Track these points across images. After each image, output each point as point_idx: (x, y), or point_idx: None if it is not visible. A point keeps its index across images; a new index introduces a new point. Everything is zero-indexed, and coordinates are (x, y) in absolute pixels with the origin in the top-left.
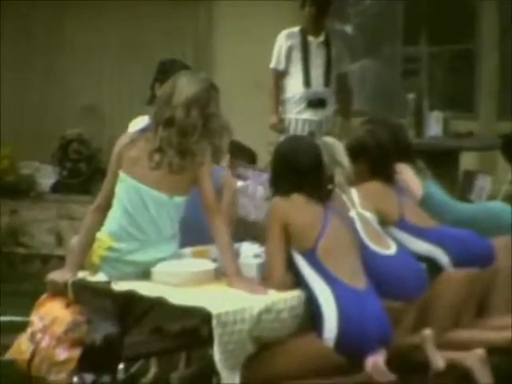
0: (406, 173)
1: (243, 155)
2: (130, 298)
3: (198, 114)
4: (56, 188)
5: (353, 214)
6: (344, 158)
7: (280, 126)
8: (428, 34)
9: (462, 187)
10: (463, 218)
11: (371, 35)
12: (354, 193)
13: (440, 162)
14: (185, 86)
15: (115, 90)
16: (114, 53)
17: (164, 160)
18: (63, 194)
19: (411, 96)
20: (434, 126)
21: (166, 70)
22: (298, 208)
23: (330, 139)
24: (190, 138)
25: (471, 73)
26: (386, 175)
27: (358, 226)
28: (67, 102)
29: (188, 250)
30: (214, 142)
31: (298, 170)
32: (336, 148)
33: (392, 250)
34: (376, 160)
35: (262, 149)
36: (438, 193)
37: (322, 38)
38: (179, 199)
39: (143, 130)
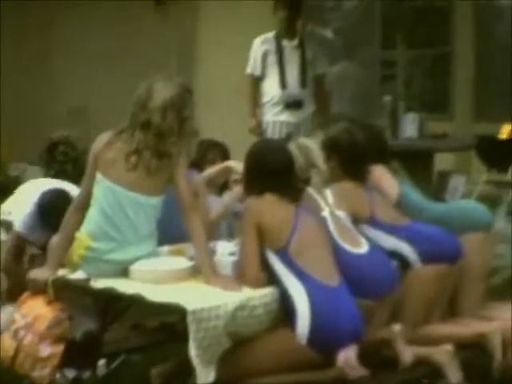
0: (383, 174)
1: (216, 152)
2: (109, 295)
3: (174, 118)
4: None
5: (325, 213)
6: (319, 160)
7: (258, 130)
8: (405, 38)
9: (436, 187)
10: (437, 217)
11: (350, 39)
12: (328, 192)
13: (415, 162)
14: (161, 91)
15: (103, 92)
16: (103, 56)
17: (141, 162)
18: None
19: (387, 98)
20: (410, 127)
21: None
22: (271, 207)
23: (305, 141)
24: (167, 141)
25: (447, 76)
26: (358, 174)
27: (331, 225)
28: (56, 104)
29: (165, 249)
30: (188, 143)
31: (269, 171)
32: (311, 149)
33: (364, 248)
34: (348, 159)
35: (242, 152)
36: (413, 193)
37: (296, 42)
38: (156, 199)
39: (119, 132)
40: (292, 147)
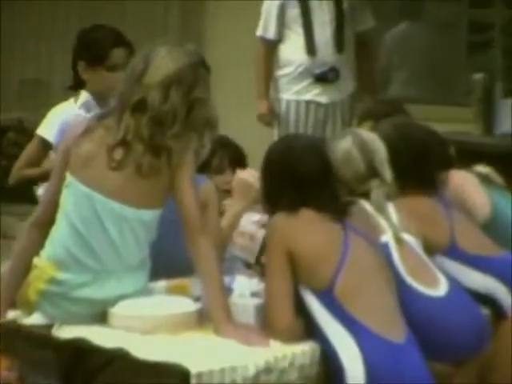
0: (469, 183)
1: (226, 154)
2: (79, 348)
3: (179, 99)
4: None
5: (387, 238)
6: (385, 166)
7: (270, 117)
8: None
9: None
10: None
11: None
12: (391, 209)
13: None
14: (163, 61)
15: (66, 61)
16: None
17: (129, 158)
18: None
19: (478, 77)
20: (509, 118)
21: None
22: (307, 229)
23: (369, 136)
24: (168, 130)
25: None
26: (425, 184)
27: (394, 254)
28: (7, 77)
29: (161, 284)
30: (197, 137)
31: (302, 178)
32: (376, 150)
33: (442, 289)
34: (407, 165)
35: (257, 139)
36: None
37: None
38: (149, 213)
39: (102, 117)
40: (348, 144)
